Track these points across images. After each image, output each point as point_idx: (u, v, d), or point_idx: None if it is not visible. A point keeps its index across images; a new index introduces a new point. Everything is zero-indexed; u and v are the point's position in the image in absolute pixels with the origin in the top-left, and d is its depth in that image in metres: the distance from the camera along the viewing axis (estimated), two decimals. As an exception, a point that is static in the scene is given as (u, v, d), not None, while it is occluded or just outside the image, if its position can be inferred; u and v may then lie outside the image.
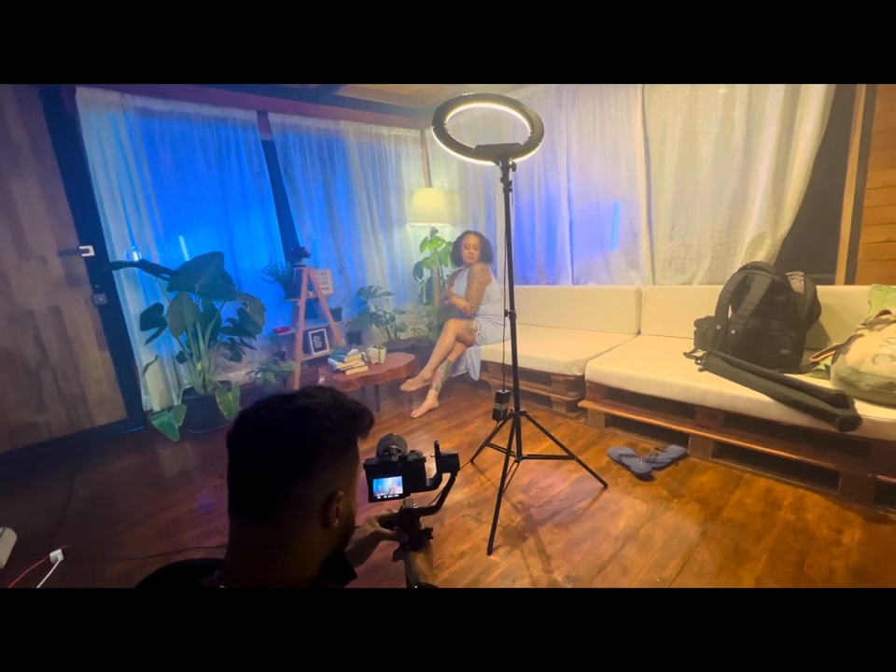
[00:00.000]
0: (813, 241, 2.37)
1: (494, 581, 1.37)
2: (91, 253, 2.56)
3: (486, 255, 3.15)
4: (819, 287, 2.05)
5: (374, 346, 3.03)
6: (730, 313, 2.17)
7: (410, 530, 0.94)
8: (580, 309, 3.11)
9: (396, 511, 0.98)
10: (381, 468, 0.87)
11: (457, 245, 3.19)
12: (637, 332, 2.86)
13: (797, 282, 2.05)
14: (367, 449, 0.69)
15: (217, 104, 2.91)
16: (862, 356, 1.60)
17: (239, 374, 3.06)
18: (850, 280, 2.15)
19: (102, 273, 2.60)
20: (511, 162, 1.59)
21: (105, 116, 2.52)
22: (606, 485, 1.82)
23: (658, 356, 2.35)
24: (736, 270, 2.27)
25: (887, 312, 1.73)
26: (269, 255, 3.24)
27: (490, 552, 1.49)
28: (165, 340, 2.76)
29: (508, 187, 1.60)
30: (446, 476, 0.96)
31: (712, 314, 2.27)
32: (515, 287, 1.75)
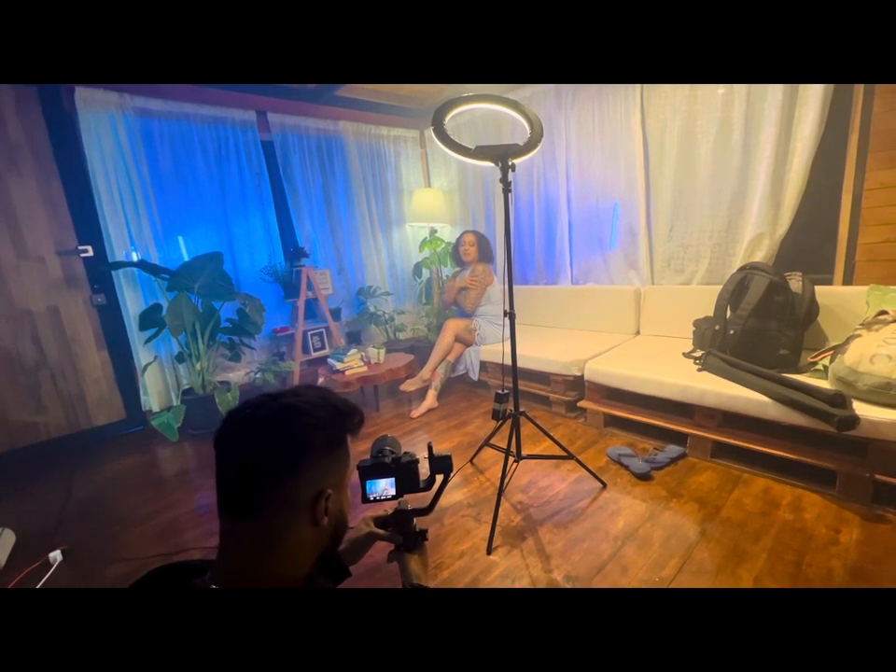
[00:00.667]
0: (811, 241, 2.37)
1: (493, 580, 1.37)
2: (90, 253, 2.56)
3: (485, 253, 3.15)
4: (817, 288, 2.05)
5: (373, 346, 3.03)
6: (728, 313, 2.18)
7: (403, 531, 0.94)
8: (579, 309, 3.12)
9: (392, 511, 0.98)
10: (374, 469, 0.87)
11: (455, 245, 3.22)
12: (635, 332, 2.87)
13: (795, 282, 2.05)
14: (364, 451, 0.69)
15: (217, 104, 2.91)
16: (860, 356, 1.60)
17: (238, 374, 3.05)
18: (848, 280, 2.16)
19: (101, 273, 2.59)
20: (510, 163, 1.59)
21: (103, 116, 2.52)
22: (605, 485, 1.82)
23: (657, 356, 2.36)
24: (735, 270, 2.28)
25: (884, 312, 1.74)
26: (268, 255, 3.23)
27: (489, 551, 1.49)
28: (164, 340, 2.76)
29: (507, 187, 1.60)
30: (441, 478, 0.97)
31: (711, 314, 2.27)
32: (514, 287, 1.75)
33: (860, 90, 2.02)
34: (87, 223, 2.56)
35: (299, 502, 0.59)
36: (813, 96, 2.07)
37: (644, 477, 1.84)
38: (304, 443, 0.59)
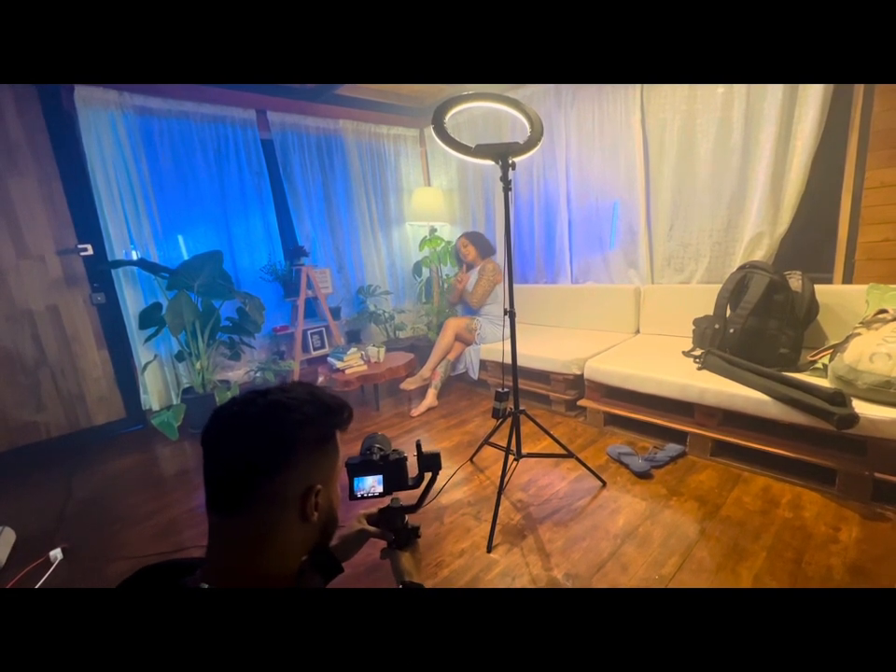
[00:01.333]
0: (811, 240, 2.38)
1: (493, 578, 1.37)
2: (90, 252, 2.55)
3: (484, 248, 3.16)
4: (816, 287, 2.05)
5: (373, 345, 3.03)
6: (728, 312, 2.18)
7: (394, 529, 0.94)
8: (578, 308, 3.12)
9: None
10: (362, 466, 0.87)
11: (455, 252, 3.29)
12: (635, 331, 2.87)
13: (795, 281, 2.06)
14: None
15: (216, 102, 2.91)
16: (860, 354, 1.61)
17: (238, 373, 3.05)
18: (848, 279, 2.16)
19: (100, 271, 2.59)
20: (510, 161, 1.59)
21: (103, 114, 2.52)
22: (605, 484, 1.82)
23: (657, 354, 2.36)
24: (735, 269, 2.28)
25: (884, 311, 1.74)
26: (268, 254, 3.23)
27: (490, 550, 1.50)
28: (164, 339, 2.76)
29: (507, 186, 1.60)
30: (430, 476, 0.97)
31: (711, 313, 2.27)
32: (514, 286, 1.75)
33: (860, 89, 2.02)
34: (87, 222, 2.56)
35: (288, 498, 0.59)
36: (813, 95, 2.07)
37: (644, 475, 1.84)
38: (293, 440, 0.59)
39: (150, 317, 2.58)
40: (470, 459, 2.09)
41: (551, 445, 1.93)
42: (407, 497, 0.96)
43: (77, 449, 2.53)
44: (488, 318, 3.06)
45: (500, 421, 1.82)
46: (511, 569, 1.41)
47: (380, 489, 0.88)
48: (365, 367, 2.84)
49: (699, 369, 2.06)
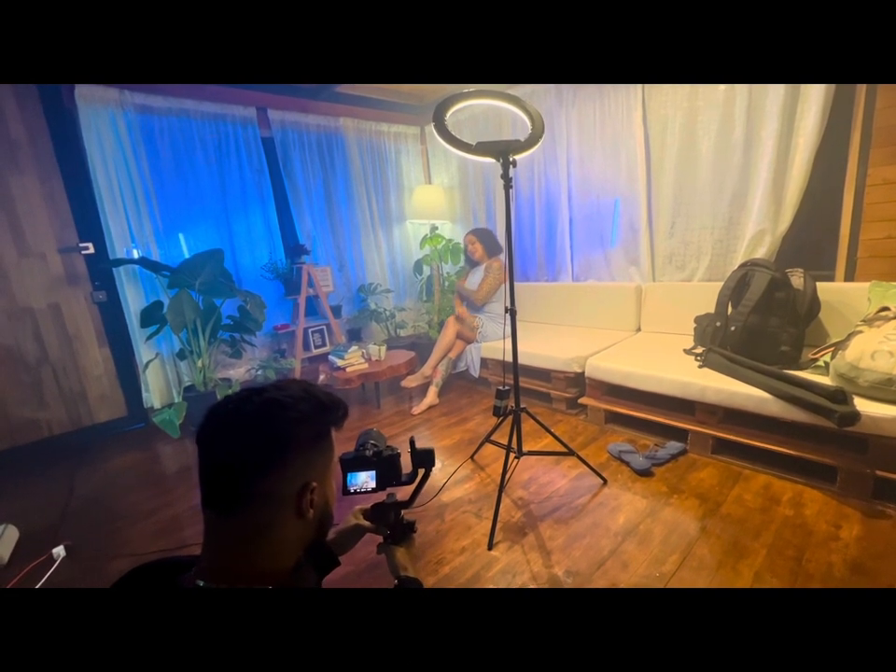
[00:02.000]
0: (813, 238, 2.37)
1: (494, 576, 1.37)
2: (91, 250, 2.56)
3: (491, 246, 3.13)
4: (818, 284, 2.05)
5: (374, 343, 3.04)
6: (730, 309, 2.17)
7: (387, 524, 0.95)
8: (579, 306, 3.11)
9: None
10: (355, 462, 0.88)
11: (463, 248, 3.26)
12: (636, 329, 2.86)
13: (797, 279, 2.05)
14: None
15: (217, 100, 2.90)
16: (861, 352, 1.60)
17: (239, 371, 3.06)
18: (850, 277, 2.16)
19: (102, 270, 2.59)
20: (511, 159, 1.58)
21: (104, 112, 2.52)
22: (605, 481, 1.82)
23: (658, 352, 2.35)
24: (736, 266, 2.27)
25: (886, 308, 1.74)
26: (269, 252, 3.23)
27: (490, 547, 1.50)
28: (166, 337, 2.76)
29: (508, 183, 1.59)
30: (423, 472, 0.97)
31: (712, 310, 2.27)
32: (515, 283, 1.75)
33: (862, 86, 2.01)
34: (88, 220, 2.56)
35: (284, 495, 0.59)
36: (815, 92, 2.06)
37: (645, 473, 1.84)
38: (288, 437, 0.59)
39: (152, 315, 2.58)
40: (471, 457, 2.10)
41: (551, 443, 1.93)
42: (407, 493, 0.97)
43: (78, 447, 2.54)
44: (489, 316, 3.06)
45: (501, 419, 1.82)
46: (512, 567, 1.41)
47: (373, 485, 0.88)
48: (366, 365, 2.85)
49: (700, 366, 2.06)
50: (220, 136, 2.96)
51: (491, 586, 1.34)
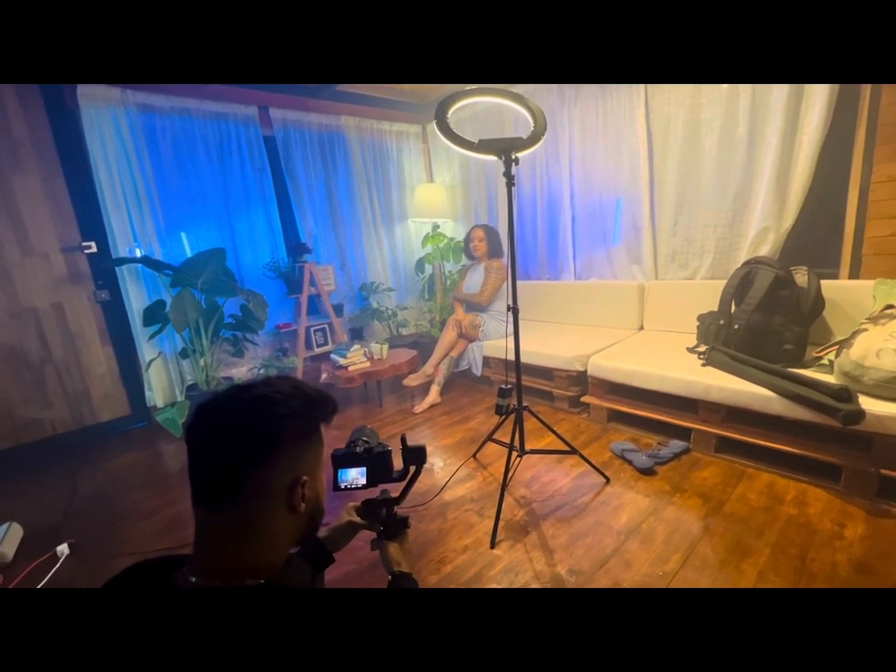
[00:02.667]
0: (817, 235, 2.35)
1: (497, 575, 1.37)
2: (94, 249, 2.56)
3: (495, 248, 3.12)
4: (823, 282, 2.03)
5: (376, 342, 3.04)
6: (733, 308, 2.16)
7: (380, 520, 0.95)
8: (582, 304, 3.11)
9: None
10: (346, 458, 0.88)
11: (466, 240, 3.22)
12: (639, 328, 2.85)
13: (801, 276, 2.04)
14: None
15: (219, 99, 2.90)
16: (866, 350, 1.59)
17: (242, 370, 3.06)
18: (854, 274, 2.14)
19: (104, 269, 2.60)
20: (513, 156, 1.58)
21: (106, 112, 2.52)
22: (608, 480, 1.82)
23: (661, 351, 2.35)
24: (740, 265, 2.26)
25: (891, 306, 1.72)
26: (271, 251, 3.23)
27: (493, 546, 1.50)
28: (168, 336, 2.77)
29: (511, 181, 1.59)
30: (414, 469, 0.97)
31: (715, 309, 2.26)
32: (518, 282, 1.74)
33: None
34: (90, 219, 2.56)
35: (274, 490, 0.59)
36: (819, 90, 2.04)
37: (647, 472, 1.84)
38: (278, 433, 0.59)
39: (154, 315, 2.59)
40: (473, 456, 2.09)
41: (554, 442, 1.93)
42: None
43: (82, 445, 2.55)
44: (492, 314, 3.05)
45: (503, 417, 1.82)
46: (515, 565, 1.41)
47: (363, 481, 0.88)
48: (368, 364, 2.85)
49: (703, 365, 2.05)
50: (222, 135, 2.96)
51: (493, 585, 1.34)
